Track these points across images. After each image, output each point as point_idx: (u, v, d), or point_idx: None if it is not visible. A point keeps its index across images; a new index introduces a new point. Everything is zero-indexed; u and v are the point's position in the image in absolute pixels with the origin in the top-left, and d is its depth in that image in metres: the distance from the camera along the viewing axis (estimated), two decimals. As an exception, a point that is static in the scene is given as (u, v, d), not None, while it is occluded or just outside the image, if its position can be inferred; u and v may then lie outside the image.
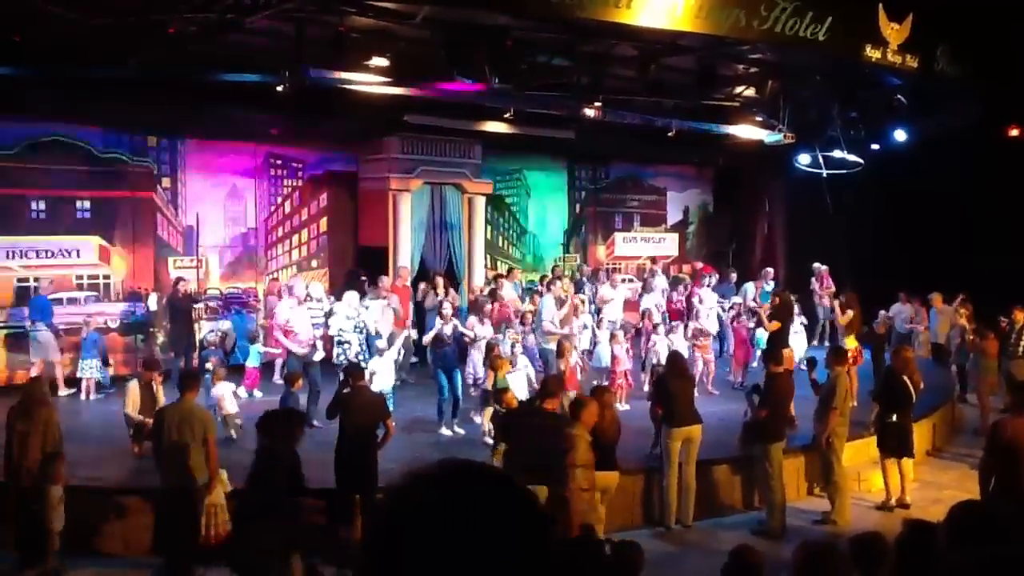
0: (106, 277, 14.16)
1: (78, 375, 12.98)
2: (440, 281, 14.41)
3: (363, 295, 13.41)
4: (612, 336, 13.13)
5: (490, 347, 11.54)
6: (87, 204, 13.96)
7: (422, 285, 14.72)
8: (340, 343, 12.92)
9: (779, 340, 12.84)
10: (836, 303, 14.29)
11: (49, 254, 13.60)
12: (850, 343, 12.96)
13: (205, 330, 13.77)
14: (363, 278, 14.44)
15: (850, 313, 13.42)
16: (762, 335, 14.49)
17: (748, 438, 9.96)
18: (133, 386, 10.09)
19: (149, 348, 14.02)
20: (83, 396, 12.84)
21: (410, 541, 1.26)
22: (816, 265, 17.70)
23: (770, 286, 16.76)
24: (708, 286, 15.48)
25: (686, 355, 13.33)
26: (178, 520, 7.76)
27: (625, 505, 9.63)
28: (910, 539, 4.10)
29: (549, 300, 13.13)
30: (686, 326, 14.31)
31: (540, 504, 1.36)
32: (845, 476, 10.03)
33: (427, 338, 12.01)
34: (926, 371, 13.46)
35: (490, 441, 10.46)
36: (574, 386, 11.45)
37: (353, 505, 8.50)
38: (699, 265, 18.82)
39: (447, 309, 12.09)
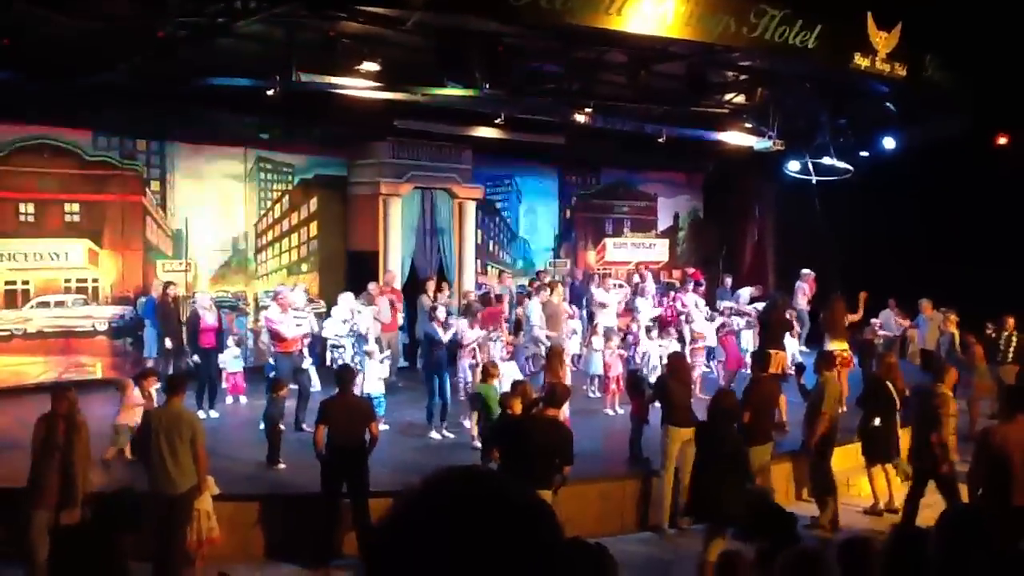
0: (94, 280, 14.10)
1: None
2: (431, 285, 14.39)
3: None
4: (606, 341, 13.15)
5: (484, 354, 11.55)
6: (76, 207, 13.90)
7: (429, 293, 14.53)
8: (334, 347, 12.92)
9: (768, 344, 12.87)
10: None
11: (38, 257, 13.54)
12: (839, 346, 12.99)
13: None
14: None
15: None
16: (747, 341, 14.61)
17: None
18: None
19: (137, 352, 13.98)
20: None
21: (416, 550, 1.25)
22: (804, 271, 17.78)
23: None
24: (693, 291, 15.47)
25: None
26: (166, 525, 7.72)
27: (617, 509, 9.66)
28: (898, 544, 4.11)
29: (536, 305, 13.13)
30: (680, 332, 14.32)
31: (551, 510, 1.34)
32: (834, 481, 10.05)
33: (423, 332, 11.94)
34: (916, 377, 13.53)
35: (479, 444, 10.47)
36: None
37: (339, 509, 8.50)
38: (690, 270, 18.83)
39: (440, 313, 12.08)
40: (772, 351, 11.90)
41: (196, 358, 12.43)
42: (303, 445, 10.07)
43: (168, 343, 13.02)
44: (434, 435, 11.36)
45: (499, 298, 14.53)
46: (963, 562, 2.62)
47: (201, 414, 11.38)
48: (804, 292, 17.49)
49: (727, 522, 7.75)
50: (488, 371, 10.58)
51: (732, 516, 7.56)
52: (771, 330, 13.38)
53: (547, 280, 15.37)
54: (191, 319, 12.71)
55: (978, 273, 15.91)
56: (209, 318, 12.45)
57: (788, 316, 14.56)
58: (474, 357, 12.37)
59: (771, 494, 8.43)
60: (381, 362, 12.06)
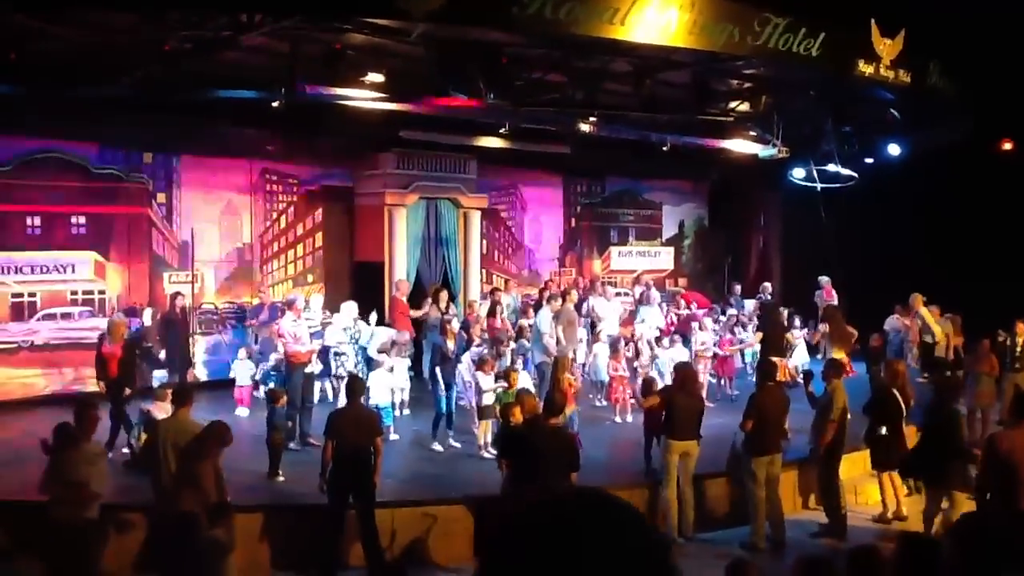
0: (101, 292, 14.13)
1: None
2: (444, 296, 14.35)
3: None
4: (614, 351, 13.13)
5: (483, 360, 11.46)
6: (82, 220, 13.94)
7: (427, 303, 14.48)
8: (337, 355, 12.92)
9: (769, 353, 12.94)
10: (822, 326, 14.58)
11: (44, 269, 13.58)
12: (838, 354, 13.07)
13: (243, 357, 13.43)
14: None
15: (823, 328, 13.65)
16: (751, 349, 14.66)
17: (735, 453, 10.00)
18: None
19: (144, 364, 14.00)
20: None
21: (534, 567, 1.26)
22: (821, 278, 17.76)
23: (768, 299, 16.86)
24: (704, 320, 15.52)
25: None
26: (176, 535, 7.71)
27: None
28: (908, 552, 4.10)
29: (547, 314, 13.08)
30: (687, 340, 14.31)
31: (664, 536, 1.37)
32: (842, 489, 10.02)
33: (466, 356, 11.88)
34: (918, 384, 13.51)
35: (487, 455, 10.47)
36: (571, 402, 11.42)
37: (343, 521, 8.49)
38: (681, 289, 18.85)
39: (455, 325, 12.01)
40: (775, 359, 11.95)
41: (102, 385, 10.99)
42: (308, 456, 10.09)
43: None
44: (437, 447, 11.27)
45: (491, 312, 14.49)
46: (976, 570, 2.61)
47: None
48: (823, 300, 17.46)
49: (945, 485, 9.09)
50: (508, 377, 10.53)
51: (949, 481, 9.04)
52: (770, 339, 13.42)
53: (555, 289, 15.36)
54: (97, 345, 11.31)
55: (984, 279, 15.88)
56: (109, 343, 10.99)
57: (785, 323, 14.67)
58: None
59: None
60: (391, 370, 12.05)
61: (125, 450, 10.39)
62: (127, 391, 10.87)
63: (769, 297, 17.04)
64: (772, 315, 14.56)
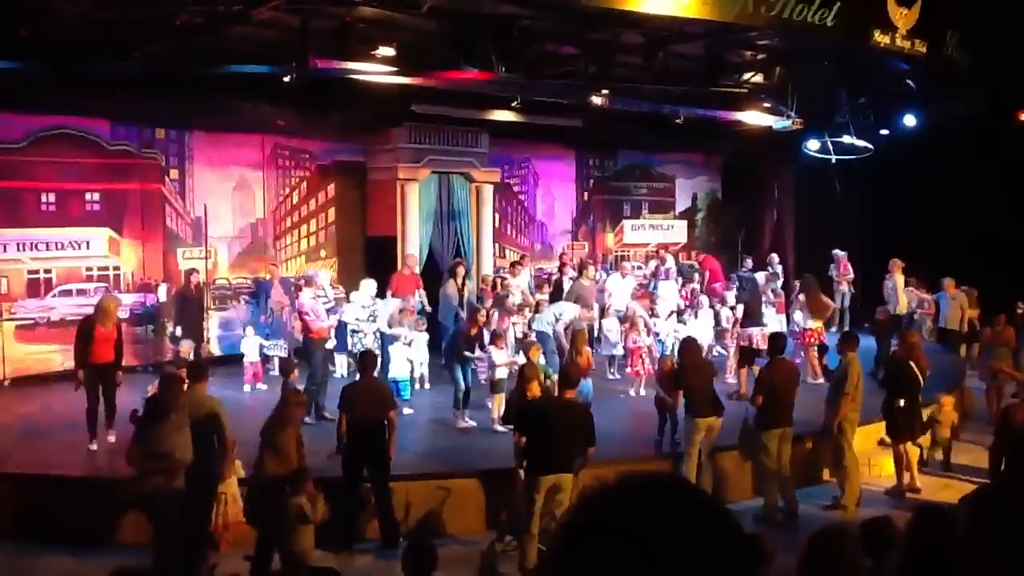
0: (116, 268, 14.21)
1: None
2: (461, 271, 14.32)
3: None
4: (632, 324, 13.09)
5: (496, 335, 11.44)
6: (96, 196, 13.99)
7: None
8: (354, 332, 12.95)
9: (750, 323, 13.06)
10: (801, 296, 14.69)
11: (59, 246, 13.65)
12: (816, 324, 13.49)
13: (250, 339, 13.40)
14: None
15: (801, 299, 14.19)
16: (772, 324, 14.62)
17: (746, 428, 10.02)
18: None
19: (158, 340, 14.11)
20: None
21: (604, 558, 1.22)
22: (836, 251, 17.68)
23: (777, 270, 16.81)
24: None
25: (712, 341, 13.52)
26: (190, 508, 7.80)
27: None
28: (921, 524, 4.10)
29: (573, 309, 12.92)
30: (697, 313, 14.28)
31: (742, 526, 1.31)
32: (855, 461, 10.03)
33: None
34: (934, 356, 13.48)
35: (500, 428, 10.50)
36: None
37: (359, 494, 8.56)
38: (700, 257, 18.78)
39: (482, 315, 11.91)
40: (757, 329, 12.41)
41: (81, 375, 10.04)
42: (322, 430, 10.14)
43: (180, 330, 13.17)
44: (456, 422, 11.28)
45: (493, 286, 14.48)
46: (990, 543, 2.61)
47: (93, 446, 9.85)
48: (838, 273, 17.40)
49: None
50: (529, 348, 10.51)
51: None
52: (751, 309, 13.48)
53: (572, 263, 15.30)
54: (84, 328, 10.24)
55: (1000, 252, 15.77)
56: (103, 326, 10.11)
57: (768, 295, 14.80)
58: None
59: None
60: (409, 343, 12.05)
61: (111, 439, 9.93)
62: (120, 376, 10.30)
63: (776, 269, 16.91)
64: (752, 286, 14.64)
